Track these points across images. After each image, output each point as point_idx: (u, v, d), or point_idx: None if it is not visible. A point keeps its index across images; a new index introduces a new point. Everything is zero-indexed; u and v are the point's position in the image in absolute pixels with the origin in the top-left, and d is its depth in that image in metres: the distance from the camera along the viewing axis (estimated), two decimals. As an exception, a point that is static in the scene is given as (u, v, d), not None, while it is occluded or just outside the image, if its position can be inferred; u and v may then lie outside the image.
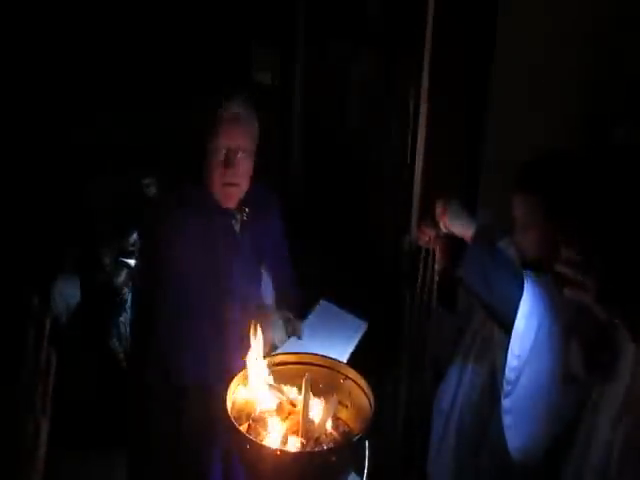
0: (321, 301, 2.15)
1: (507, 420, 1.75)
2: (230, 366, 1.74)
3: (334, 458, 1.28)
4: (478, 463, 1.93)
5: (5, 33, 3.04)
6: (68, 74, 3.19)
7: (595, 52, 2.25)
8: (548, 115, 2.30)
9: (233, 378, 1.44)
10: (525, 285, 1.70)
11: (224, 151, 1.81)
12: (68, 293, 2.86)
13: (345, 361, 1.88)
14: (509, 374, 1.74)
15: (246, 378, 1.45)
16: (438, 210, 1.92)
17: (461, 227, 1.88)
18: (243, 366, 1.44)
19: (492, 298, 1.81)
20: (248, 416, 1.45)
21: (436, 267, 2.03)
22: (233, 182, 1.85)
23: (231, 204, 1.91)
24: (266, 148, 1.92)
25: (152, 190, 2.88)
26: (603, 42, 2.23)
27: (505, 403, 1.75)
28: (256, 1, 3.17)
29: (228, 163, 1.82)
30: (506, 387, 1.75)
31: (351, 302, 2.16)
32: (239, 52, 3.25)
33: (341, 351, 1.90)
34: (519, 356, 1.72)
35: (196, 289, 1.89)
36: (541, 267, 1.85)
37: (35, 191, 3.03)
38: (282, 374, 1.49)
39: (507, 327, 1.75)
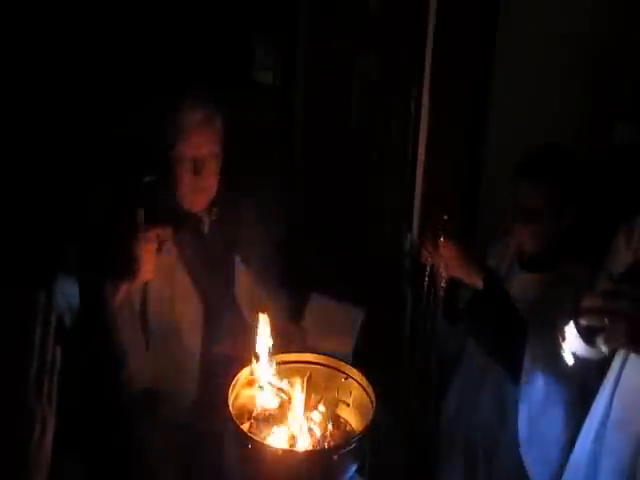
0: (312, 296, 2.11)
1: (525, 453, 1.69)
2: (206, 363, 1.73)
3: (335, 457, 1.28)
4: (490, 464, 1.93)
5: (4, 33, 3.04)
6: (69, 72, 3.19)
7: (595, 52, 2.26)
8: (548, 115, 2.31)
9: (234, 377, 1.44)
10: (528, 331, 1.68)
11: (191, 160, 1.71)
12: (69, 292, 2.85)
13: (351, 351, 1.87)
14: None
15: (247, 377, 1.46)
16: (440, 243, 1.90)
17: (467, 275, 1.85)
18: (241, 365, 1.45)
19: (495, 348, 1.82)
20: (249, 415, 1.45)
21: (440, 283, 2.03)
22: (202, 187, 1.77)
23: (200, 207, 1.82)
24: (266, 148, 1.90)
25: (150, 189, 2.86)
26: (603, 42, 2.24)
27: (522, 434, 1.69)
28: (257, 0, 3.17)
29: (196, 171, 1.72)
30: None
31: (351, 302, 2.16)
32: (239, 51, 3.24)
33: (345, 343, 1.89)
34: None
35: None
36: (538, 267, 1.86)
37: (36, 188, 3.03)
38: (283, 373, 1.49)
39: (510, 371, 1.74)
